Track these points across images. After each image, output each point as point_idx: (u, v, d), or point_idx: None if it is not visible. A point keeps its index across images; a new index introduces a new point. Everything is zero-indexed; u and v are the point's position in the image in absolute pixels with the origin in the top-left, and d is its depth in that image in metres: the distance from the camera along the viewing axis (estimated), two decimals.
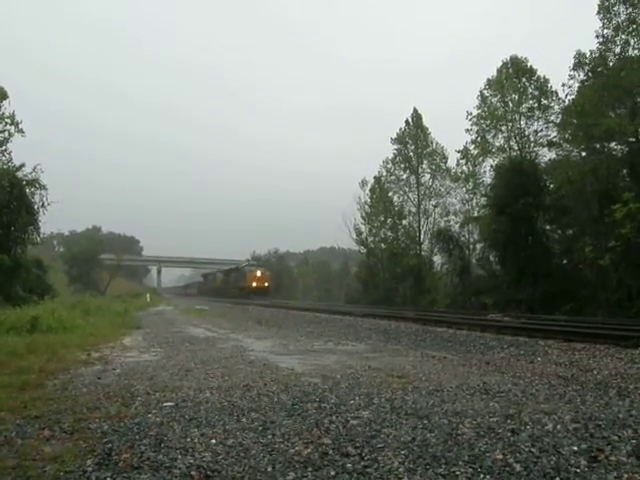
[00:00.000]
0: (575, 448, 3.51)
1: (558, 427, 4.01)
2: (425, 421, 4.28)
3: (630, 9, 24.84)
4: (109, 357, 8.84)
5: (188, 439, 3.91)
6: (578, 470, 3.14)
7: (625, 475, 3.05)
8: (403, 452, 3.51)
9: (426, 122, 42.87)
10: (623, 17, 25.09)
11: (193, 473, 3.23)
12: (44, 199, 24.02)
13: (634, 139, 24.00)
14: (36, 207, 23.90)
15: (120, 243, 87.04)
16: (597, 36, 25.90)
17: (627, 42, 25.18)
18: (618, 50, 25.55)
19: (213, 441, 3.85)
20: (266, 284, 51.20)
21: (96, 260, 66.34)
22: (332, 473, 3.19)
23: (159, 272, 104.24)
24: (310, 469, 3.25)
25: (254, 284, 49.44)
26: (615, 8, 25.28)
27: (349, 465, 3.31)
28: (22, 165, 24.17)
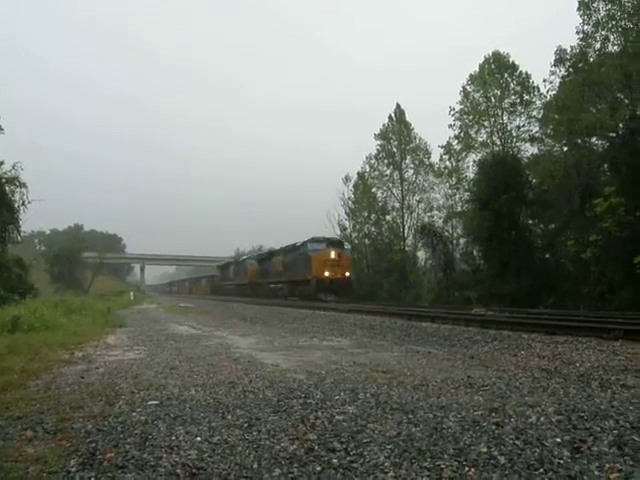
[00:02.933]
0: (558, 440, 3.55)
1: (542, 419, 4.05)
2: (410, 415, 4.30)
3: (609, 5, 25.13)
4: (92, 356, 8.75)
5: (173, 437, 3.89)
6: (561, 461, 3.17)
7: (607, 465, 3.09)
8: (389, 446, 3.53)
9: (415, 120, 43.10)
10: (603, 13, 25.38)
11: (178, 471, 3.22)
12: (24, 197, 23.69)
13: (614, 134, 24.27)
14: (16, 205, 23.56)
15: (103, 241, 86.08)
16: (577, 32, 26.18)
17: (607, 38, 25.48)
18: (598, 46, 25.86)
19: (198, 439, 3.84)
20: (347, 274, 31.35)
21: (78, 258, 65.68)
22: (318, 468, 3.20)
23: (142, 270, 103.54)
24: (296, 465, 3.25)
25: (327, 274, 29.84)
26: (595, 4, 25.56)
27: (335, 460, 3.32)
28: (1, 163, 23.78)
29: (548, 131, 30.17)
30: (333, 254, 30.73)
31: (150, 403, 4.99)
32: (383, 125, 43.00)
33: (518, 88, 33.80)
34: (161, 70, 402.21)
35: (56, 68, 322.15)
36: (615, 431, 3.70)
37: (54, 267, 62.41)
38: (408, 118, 42.65)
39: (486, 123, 34.75)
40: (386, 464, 3.23)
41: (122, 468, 3.28)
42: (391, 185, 42.64)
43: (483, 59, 34.92)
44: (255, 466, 3.27)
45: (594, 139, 26.10)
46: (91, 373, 6.94)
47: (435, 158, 40.18)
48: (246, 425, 4.17)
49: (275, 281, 37.91)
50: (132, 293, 49.90)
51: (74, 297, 28.97)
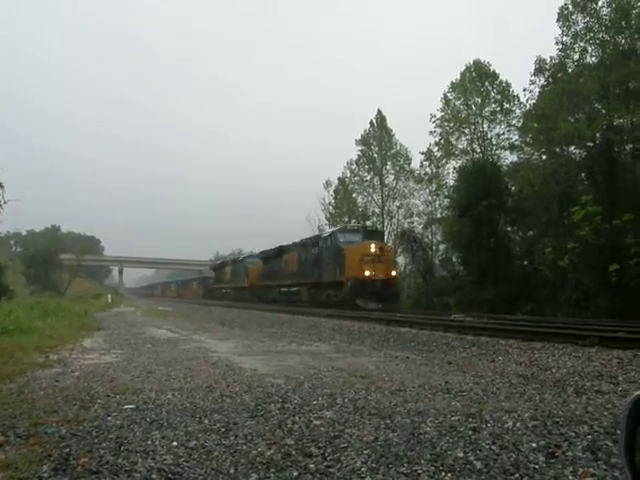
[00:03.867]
0: (534, 445, 3.58)
1: (518, 425, 4.07)
2: (388, 421, 4.30)
3: (587, 18, 25.64)
4: (68, 359, 8.63)
5: (149, 442, 3.84)
6: (536, 466, 3.20)
7: (580, 470, 3.13)
8: (366, 452, 3.52)
9: (409, 126, 43.36)
10: (581, 25, 25.91)
11: (154, 476, 3.17)
12: (0, 198, 23.29)
13: (592, 144, 24.70)
14: None
15: (80, 243, 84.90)
16: (557, 43, 26.70)
17: (585, 50, 26.00)
18: (577, 57, 26.38)
19: (175, 443, 3.79)
20: (393, 273, 24.24)
21: (55, 260, 64.69)
22: (295, 474, 3.18)
23: (121, 272, 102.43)
24: (273, 470, 3.23)
25: (367, 273, 22.71)
26: (574, 17, 26.09)
27: (312, 465, 3.30)
28: None
29: (527, 139, 30.58)
30: (373, 247, 23.07)
31: (126, 407, 4.92)
32: (364, 131, 43.32)
33: (498, 96, 34.23)
34: (161, 71, 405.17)
35: (56, 67, 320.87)
36: (589, 436, 3.74)
37: (30, 269, 61.36)
38: (395, 124, 43.16)
39: (466, 130, 35.10)
40: (363, 469, 3.22)
41: (96, 473, 3.23)
42: (371, 190, 42.93)
43: (464, 67, 35.35)
44: (232, 471, 3.24)
45: (572, 148, 26.56)
46: (66, 377, 6.83)
47: (415, 164, 40.51)
48: (223, 430, 4.13)
49: (289, 284, 30.06)
50: (110, 296, 49.37)
51: (50, 299, 28.60)
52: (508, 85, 34.03)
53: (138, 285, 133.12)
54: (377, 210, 42.33)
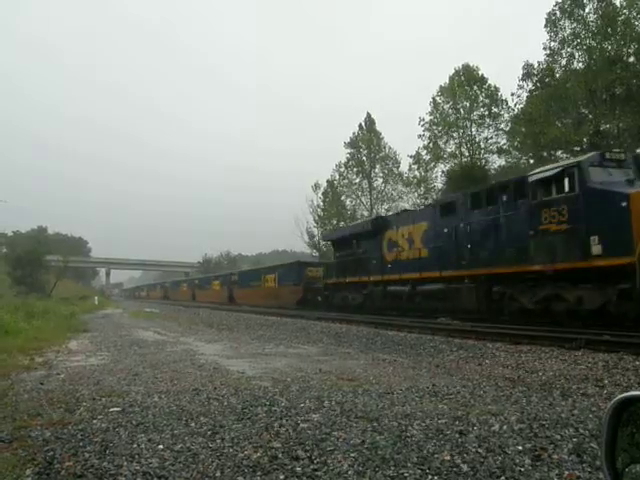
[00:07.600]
0: (520, 448, 3.59)
1: (504, 427, 4.09)
2: (375, 424, 4.29)
3: (575, 24, 25.91)
4: (53, 362, 8.56)
5: (135, 445, 3.81)
6: (522, 469, 3.21)
7: (566, 472, 3.14)
8: (353, 455, 3.51)
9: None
10: (568, 31, 26.16)
11: None
12: None
13: (579, 148, 24.91)
14: None
15: (67, 244, 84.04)
16: (545, 48, 26.94)
17: (572, 55, 26.28)
18: (564, 62, 26.64)
19: (161, 446, 3.76)
20: None
21: (41, 261, 64.01)
22: (281, 477, 3.17)
23: (108, 274, 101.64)
24: (259, 473, 3.22)
25: None
26: (561, 23, 26.35)
27: (298, 469, 3.29)
28: None
29: (515, 143, 30.80)
30: None
31: (112, 410, 4.88)
32: (353, 133, 43.53)
33: (487, 101, 34.47)
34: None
35: None
36: (575, 439, 3.76)
37: (16, 270, 60.67)
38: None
39: (455, 134, 35.31)
40: (350, 472, 3.21)
41: (80, 477, 3.20)
42: (360, 193, 43.13)
43: (453, 71, 35.54)
44: (218, 474, 3.22)
45: (559, 152, 26.75)
46: (51, 379, 6.78)
47: (404, 167, 40.64)
48: (210, 433, 4.11)
49: None
50: (97, 298, 49.01)
51: (36, 301, 28.29)
52: (496, 89, 34.31)
53: (136, 284, 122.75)
54: (365, 213, 42.42)
